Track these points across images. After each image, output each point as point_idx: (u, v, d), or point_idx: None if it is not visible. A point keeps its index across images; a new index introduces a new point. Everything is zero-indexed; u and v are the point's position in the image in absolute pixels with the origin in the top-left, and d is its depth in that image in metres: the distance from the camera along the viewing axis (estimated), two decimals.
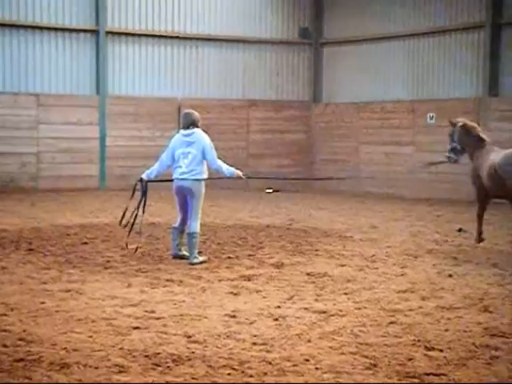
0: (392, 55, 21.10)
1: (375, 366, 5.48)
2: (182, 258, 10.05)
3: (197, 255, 9.93)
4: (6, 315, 6.83)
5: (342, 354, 5.80)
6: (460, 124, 11.29)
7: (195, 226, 9.95)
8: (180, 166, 9.94)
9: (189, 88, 21.69)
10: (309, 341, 6.15)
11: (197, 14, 21.68)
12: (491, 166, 10.47)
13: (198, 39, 21.73)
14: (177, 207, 10.26)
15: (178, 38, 21.47)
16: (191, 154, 9.91)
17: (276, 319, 6.88)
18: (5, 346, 5.82)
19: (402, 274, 9.20)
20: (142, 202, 10.20)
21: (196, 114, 10.17)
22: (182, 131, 10.10)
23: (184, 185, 9.92)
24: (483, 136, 11.14)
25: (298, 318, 6.94)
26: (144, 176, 10.25)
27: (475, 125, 11.53)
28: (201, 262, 9.81)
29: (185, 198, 10.03)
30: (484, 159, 10.74)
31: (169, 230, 12.82)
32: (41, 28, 19.81)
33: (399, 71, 20.90)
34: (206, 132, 10.23)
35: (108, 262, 9.82)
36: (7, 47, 19.51)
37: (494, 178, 10.45)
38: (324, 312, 7.13)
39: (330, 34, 22.89)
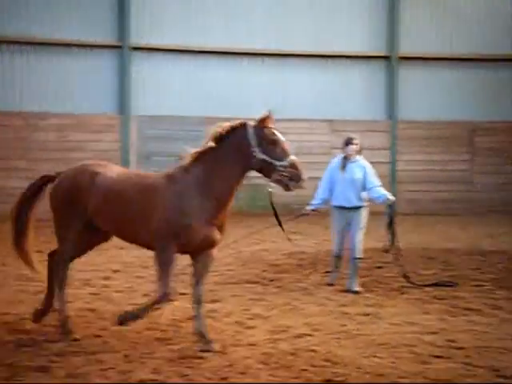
0: None
1: None
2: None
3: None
4: (310, 335, 7.10)
5: None
6: None
7: None
8: None
9: (483, 111, 21.01)
10: None
11: (492, 34, 21.03)
12: None
13: (493, 60, 21.03)
14: None
15: (472, 60, 20.96)
16: None
17: None
18: (312, 365, 6.05)
19: None
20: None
21: None
22: None
23: None
24: None
25: None
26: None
27: None
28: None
29: None
30: None
31: (464, 257, 12.55)
32: (336, 56, 20.53)
33: None
34: None
35: (403, 287, 9.78)
36: (305, 76, 20.49)
37: None
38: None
39: None
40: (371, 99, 20.77)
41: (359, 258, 9.75)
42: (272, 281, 10.22)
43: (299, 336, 7.07)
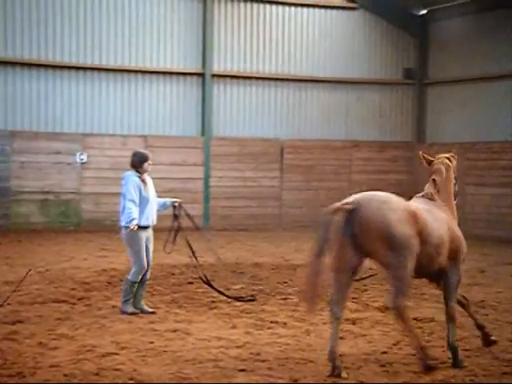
0: (498, 95, 20.57)
1: None
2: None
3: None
4: (117, 354, 6.99)
5: None
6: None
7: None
8: None
9: (291, 129, 21.85)
10: None
11: (300, 56, 21.94)
12: None
13: (300, 81, 21.91)
14: None
15: (281, 79, 21.74)
16: None
17: (383, 365, 6.75)
18: None
19: None
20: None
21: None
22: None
23: None
24: None
25: (406, 364, 6.78)
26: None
27: None
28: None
29: None
30: None
31: (272, 271, 12.92)
32: (150, 72, 20.51)
33: (505, 111, 20.35)
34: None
35: (213, 302, 9.90)
36: (118, 91, 20.29)
37: None
38: (434, 359, 6.93)
39: (434, 75, 22.64)
40: (185, 116, 20.94)
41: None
42: (80, 299, 9.96)
43: (105, 355, 6.93)
